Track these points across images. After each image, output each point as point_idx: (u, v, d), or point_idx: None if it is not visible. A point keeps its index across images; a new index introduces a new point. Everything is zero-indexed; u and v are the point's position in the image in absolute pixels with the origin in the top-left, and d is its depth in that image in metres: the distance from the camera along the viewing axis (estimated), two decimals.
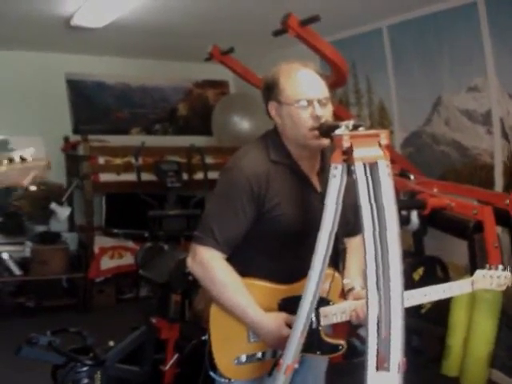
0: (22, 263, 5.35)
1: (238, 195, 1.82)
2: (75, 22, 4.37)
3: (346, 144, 1.48)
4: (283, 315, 1.84)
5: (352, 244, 2.02)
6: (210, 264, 1.83)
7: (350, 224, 1.90)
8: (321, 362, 2.14)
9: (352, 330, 3.21)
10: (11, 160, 1.42)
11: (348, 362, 3.23)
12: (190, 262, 1.89)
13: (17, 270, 5.31)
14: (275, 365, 1.78)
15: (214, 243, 1.83)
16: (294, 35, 3.04)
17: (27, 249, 5.39)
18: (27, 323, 4.88)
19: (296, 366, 1.70)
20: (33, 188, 5.59)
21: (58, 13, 4.22)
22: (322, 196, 1.80)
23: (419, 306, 3.41)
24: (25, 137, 5.31)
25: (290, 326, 1.78)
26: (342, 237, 1.89)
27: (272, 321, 1.83)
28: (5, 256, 5.32)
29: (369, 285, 1.44)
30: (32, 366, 3.07)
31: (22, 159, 1.45)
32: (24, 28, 4.73)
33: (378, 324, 1.42)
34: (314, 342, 1.84)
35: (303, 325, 1.63)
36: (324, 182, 1.83)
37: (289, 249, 1.89)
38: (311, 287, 1.59)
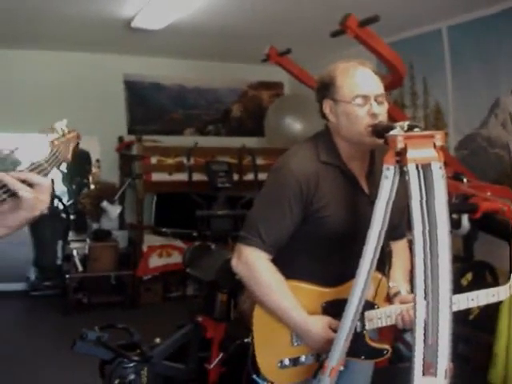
0: (83, 260, 5.51)
1: (286, 195, 1.80)
2: (136, 23, 4.47)
3: (400, 145, 1.46)
4: (327, 318, 1.82)
5: (396, 248, 1.98)
6: (255, 264, 1.82)
7: (396, 227, 1.87)
8: (366, 366, 2.10)
9: (398, 334, 3.15)
10: (58, 133, 1.39)
11: (393, 366, 3.18)
12: (234, 262, 1.87)
13: (80, 267, 5.47)
14: (320, 367, 1.75)
15: (260, 243, 1.81)
16: (353, 36, 3.02)
17: (86, 246, 5.56)
18: (82, 318, 5.02)
19: (341, 368, 1.68)
20: (92, 187, 5.78)
21: (120, 15, 4.34)
22: (370, 198, 1.81)
23: (467, 313, 3.32)
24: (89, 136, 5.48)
25: (333, 329, 1.75)
26: (387, 240, 1.84)
27: (316, 324, 1.80)
28: (74, 252, 5.50)
29: (417, 289, 1.41)
30: (84, 361, 3.13)
31: (63, 131, 1.42)
32: (86, 30, 4.88)
33: (425, 328, 1.38)
34: (358, 346, 1.81)
35: (349, 327, 1.61)
36: (372, 184, 1.84)
37: (334, 251, 1.86)
38: (358, 290, 1.57)
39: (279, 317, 1.82)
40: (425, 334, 1.38)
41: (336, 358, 1.63)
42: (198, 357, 3.23)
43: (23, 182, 1.14)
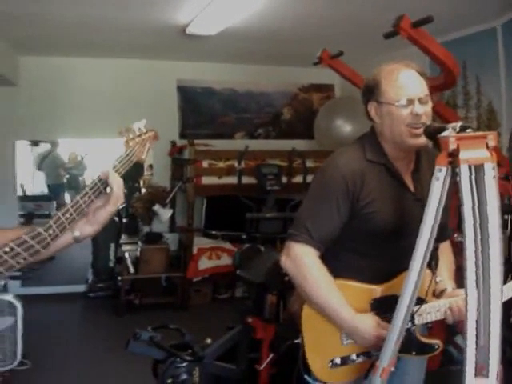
0: (135, 262, 5.65)
1: (334, 192, 1.85)
2: (190, 30, 4.55)
3: (452, 146, 1.46)
4: (375, 317, 1.82)
5: (441, 248, 1.98)
6: (304, 260, 1.85)
7: (442, 227, 1.86)
8: (418, 368, 2.09)
9: (449, 337, 3.11)
10: (135, 134, 1.48)
11: (445, 368, 3.14)
12: (283, 258, 1.91)
13: (131, 269, 5.61)
14: (371, 367, 1.75)
15: (309, 240, 1.84)
16: (406, 37, 3.00)
17: (138, 248, 5.69)
18: (134, 319, 5.17)
19: (392, 369, 1.67)
20: (144, 190, 5.93)
21: (175, 22, 4.43)
22: (415, 196, 1.86)
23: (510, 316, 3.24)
24: None
25: (382, 327, 1.76)
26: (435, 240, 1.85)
27: (364, 321, 1.81)
28: (126, 255, 5.66)
29: (468, 290, 1.40)
30: (137, 360, 3.21)
31: (140, 132, 1.50)
32: (142, 37, 5.02)
33: (476, 329, 1.38)
34: (409, 341, 1.80)
35: (401, 324, 1.60)
36: (418, 182, 1.89)
37: (381, 247, 1.89)
38: (409, 288, 1.56)
39: (327, 314, 1.84)
40: (477, 335, 1.37)
41: (387, 358, 1.63)
42: (248, 358, 3.26)
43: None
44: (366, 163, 1.88)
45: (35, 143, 8.56)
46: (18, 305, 3.27)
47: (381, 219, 1.85)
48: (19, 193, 7.17)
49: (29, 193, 9.02)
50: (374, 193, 1.85)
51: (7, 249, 1.17)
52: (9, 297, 3.28)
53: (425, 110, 1.79)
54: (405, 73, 1.83)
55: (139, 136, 1.49)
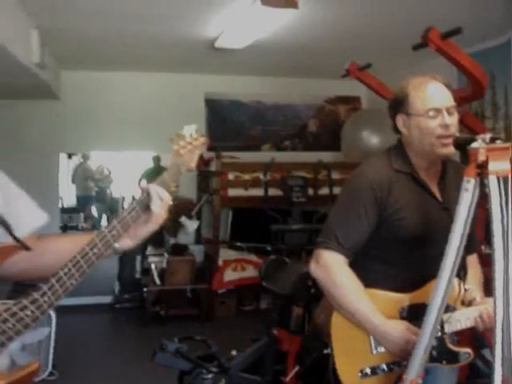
0: (161, 274, 5.69)
1: (362, 200, 1.89)
2: (219, 43, 4.60)
3: (481, 157, 1.48)
4: (406, 323, 1.83)
5: (468, 260, 1.98)
6: (334, 267, 1.87)
7: (469, 239, 1.86)
8: (448, 381, 2.06)
9: (476, 350, 3.06)
10: (184, 140, 1.46)
11: (472, 382, 3.09)
12: (313, 266, 1.93)
13: (157, 280, 5.65)
14: (398, 380, 1.74)
15: (338, 247, 1.87)
16: (435, 48, 3.01)
17: (164, 260, 5.73)
18: (159, 330, 5.18)
19: (420, 381, 1.65)
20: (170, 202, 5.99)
21: (204, 36, 4.51)
22: (442, 205, 1.90)
23: None
24: (169, 154, 5.72)
25: (413, 333, 1.76)
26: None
27: (395, 327, 1.81)
28: (152, 266, 5.71)
29: (496, 301, 1.41)
30: (163, 371, 3.23)
31: (191, 139, 1.48)
32: (172, 51, 5.13)
33: (502, 340, 1.37)
34: (439, 351, 1.80)
35: (429, 335, 1.58)
36: (444, 191, 1.93)
37: (408, 256, 1.90)
38: (438, 297, 1.56)
39: (357, 320, 1.84)
40: (502, 347, 1.37)
41: (415, 370, 1.61)
42: (273, 369, 3.25)
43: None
44: (393, 172, 1.93)
45: (70, 156, 8.72)
46: (54, 316, 3.33)
47: (408, 226, 1.87)
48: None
49: (64, 205, 9.17)
50: (401, 200, 1.89)
51: (66, 270, 1.21)
52: None
53: (452, 121, 1.84)
54: (432, 84, 1.89)
55: (190, 143, 1.47)
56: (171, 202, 1.35)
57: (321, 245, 1.91)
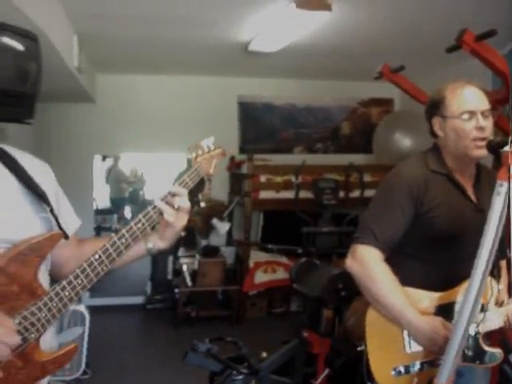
0: (193, 275, 5.74)
1: (398, 197, 1.93)
2: (253, 47, 4.63)
3: None
4: (440, 318, 1.84)
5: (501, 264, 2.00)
6: (370, 262, 1.90)
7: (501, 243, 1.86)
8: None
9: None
10: (203, 150, 1.59)
11: None
12: (349, 261, 1.96)
13: (189, 281, 5.71)
14: (430, 383, 1.73)
15: (375, 242, 1.90)
16: (469, 51, 2.99)
17: (196, 261, 5.78)
18: (190, 331, 5.25)
19: None
20: (202, 204, 6.06)
21: (238, 39, 4.55)
22: (477, 206, 1.93)
23: None
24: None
25: (447, 329, 1.78)
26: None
27: (429, 322, 1.83)
28: (184, 268, 5.77)
29: None
30: (193, 372, 3.26)
31: (209, 149, 1.61)
32: (206, 54, 5.18)
33: None
34: (473, 350, 1.82)
35: (462, 334, 1.57)
36: (479, 193, 1.98)
37: (442, 254, 1.93)
38: (471, 297, 1.55)
39: (392, 315, 1.86)
40: None
41: (445, 374, 1.60)
42: (303, 372, 3.25)
43: (174, 195, 1.43)
44: (428, 172, 1.98)
45: (104, 158, 8.86)
46: (87, 315, 3.40)
47: (443, 224, 1.91)
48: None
49: (98, 206, 9.30)
50: (437, 199, 1.93)
51: (97, 256, 1.33)
52: (81, 307, 3.42)
53: (487, 124, 1.89)
54: (468, 88, 1.96)
55: (208, 152, 1.60)
56: (188, 206, 1.45)
57: (357, 240, 1.95)
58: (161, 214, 1.42)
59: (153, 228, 1.45)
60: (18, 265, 1.24)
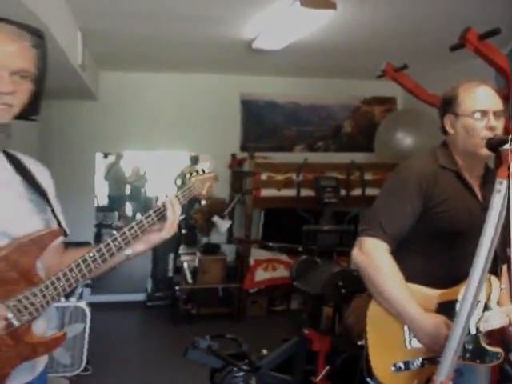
0: (193, 272, 5.75)
1: (407, 189, 1.94)
2: (257, 45, 4.62)
3: None
4: (443, 317, 1.84)
5: None
6: (377, 254, 1.90)
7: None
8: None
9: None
10: (197, 172, 1.71)
11: None
12: (355, 252, 1.96)
13: (189, 279, 5.72)
14: (428, 381, 1.74)
15: (382, 234, 1.91)
16: (472, 50, 3.00)
17: (197, 259, 5.79)
18: (191, 329, 5.29)
19: (449, 383, 1.65)
20: (203, 202, 6.08)
21: (242, 37, 4.54)
22: (483, 205, 1.92)
23: None
24: (204, 154, 6.12)
25: (449, 326, 1.77)
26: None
27: (431, 320, 1.83)
28: (185, 265, 5.79)
29: None
30: (194, 368, 3.27)
31: (203, 172, 1.73)
32: (209, 52, 5.17)
33: None
34: (473, 349, 1.82)
35: (460, 334, 1.59)
36: (485, 192, 1.96)
37: (447, 251, 1.94)
38: (469, 296, 1.56)
39: (395, 309, 1.86)
40: None
41: (445, 371, 1.61)
42: (304, 369, 3.27)
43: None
44: (437, 168, 1.99)
45: (105, 155, 8.87)
46: (89, 312, 3.42)
47: (450, 219, 1.92)
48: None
49: (99, 203, 9.33)
50: (445, 194, 1.94)
51: (91, 254, 1.43)
52: (83, 304, 3.44)
53: (498, 124, 1.90)
54: (482, 87, 1.96)
55: (201, 175, 1.72)
56: (180, 218, 1.57)
57: (364, 232, 1.95)
58: (153, 223, 1.52)
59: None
60: (19, 254, 1.34)
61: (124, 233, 1.46)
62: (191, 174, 1.69)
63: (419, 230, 1.94)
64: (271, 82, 6.47)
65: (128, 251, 1.52)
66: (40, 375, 1.51)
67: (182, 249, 6.24)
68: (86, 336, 3.40)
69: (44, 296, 1.35)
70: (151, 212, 1.51)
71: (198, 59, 5.53)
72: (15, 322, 1.31)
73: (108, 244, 1.44)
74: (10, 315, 1.30)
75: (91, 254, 1.41)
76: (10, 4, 2.36)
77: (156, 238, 1.55)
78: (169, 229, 1.53)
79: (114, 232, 1.49)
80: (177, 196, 1.58)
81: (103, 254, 1.43)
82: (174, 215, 1.53)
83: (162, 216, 1.53)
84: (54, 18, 3.10)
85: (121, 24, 4.13)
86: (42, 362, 1.52)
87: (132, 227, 1.48)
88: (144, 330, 5.68)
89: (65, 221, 1.59)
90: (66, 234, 1.48)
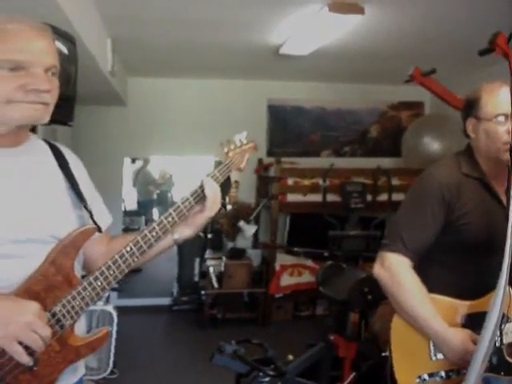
0: (219, 277, 5.77)
1: (429, 201, 1.89)
2: (284, 50, 4.64)
3: None
4: (468, 331, 1.80)
5: None
6: (399, 270, 1.87)
7: None
8: None
9: None
10: (235, 145, 1.66)
11: None
12: (377, 268, 1.93)
13: (215, 283, 5.75)
14: None
15: (403, 249, 1.87)
16: (502, 54, 2.96)
17: (222, 263, 5.81)
18: (216, 333, 5.31)
19: None
20: (229, 207, 6.11)
21: (269, 43, 4.56)
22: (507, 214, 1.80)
23: None
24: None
25: (474, 343, 1.73)
26: None
27: (457, 335, 1.79)
28: (210, 270, 5.82)
29: None
30: (219, 373, 3.28)
31: (241, 143, 1.68)
32: (236, 58, 5.21)
33: None
34: (497, 361, 1.77)
35: (487, 346, 1.56)
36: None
37: (472, 262, 1.89)
38: (497, 305, 1.53)
39: (419, 325, 1.83)
40: None
41: (471, 382, 1.59)
42: (330, 375, 3.25)
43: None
44: (461, 176, 1.93)
45: (133, 160, 8.96)
46: (115, 316, 3.46)
47: (474, 232, 1.87)
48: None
49: (127, 208, 9.42)
50: (468, 205, 1.88)
51: (128, 248, 1.39)
52: (110, 308, 3.47)
53: None
54: (504, 90, 1.88)
55: (240, 147, 1.67)
56: (220, 196, 1.53)
57: (386, 247, 1.92)
58: (191, 207, 1.49)
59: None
60: (62, 257, 1.33)
61: (161, 221, 1.44)
62: (229, 149, 1.64)
63: (443, 242, 1.90)
64: (298, 87, 6.48)
65: (176, 235, 1.51)
66: (80, 379, 1.51)
67: (207, 253, 6.26)
68: (113, 340, 3.44)
69: (83, 298, 1.34)
70: (188, 195, 1.49)
71: (225, 65, 5.57)
72: (61, 329, 1.31)
73: (145, 235, 1.41)
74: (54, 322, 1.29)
75: (128, 249, 1.39)
76: (48, 9, 2.35)
77: (201, 219, 1.52)
78: (211, 206, 1.51)
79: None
80: (214, 174, 1.55)
81: (141, 246, 1.40)
82: (213, 193, 1.50)
83: (200, 198, 1.50)
84: (86, 26, 3.15)
85: (149, 31, 4.19)
86: (81, 365, 1.51)
87: (170, 214, 1.45)
88: (170, 334, 5.71)
89: (105, 210, 1.60)
90: (99, 230, 1.43)
